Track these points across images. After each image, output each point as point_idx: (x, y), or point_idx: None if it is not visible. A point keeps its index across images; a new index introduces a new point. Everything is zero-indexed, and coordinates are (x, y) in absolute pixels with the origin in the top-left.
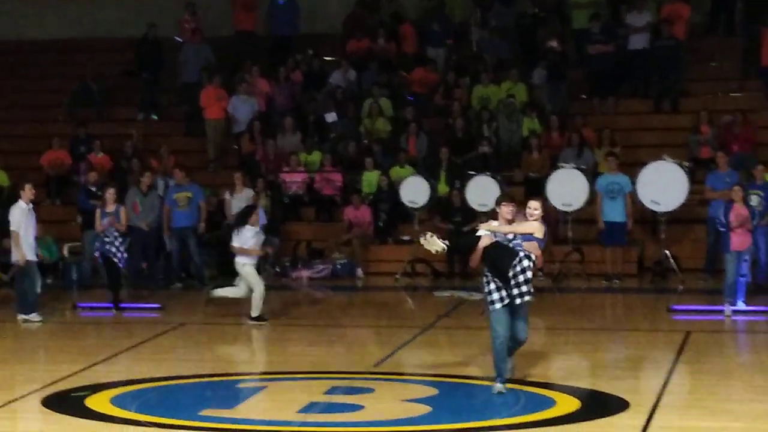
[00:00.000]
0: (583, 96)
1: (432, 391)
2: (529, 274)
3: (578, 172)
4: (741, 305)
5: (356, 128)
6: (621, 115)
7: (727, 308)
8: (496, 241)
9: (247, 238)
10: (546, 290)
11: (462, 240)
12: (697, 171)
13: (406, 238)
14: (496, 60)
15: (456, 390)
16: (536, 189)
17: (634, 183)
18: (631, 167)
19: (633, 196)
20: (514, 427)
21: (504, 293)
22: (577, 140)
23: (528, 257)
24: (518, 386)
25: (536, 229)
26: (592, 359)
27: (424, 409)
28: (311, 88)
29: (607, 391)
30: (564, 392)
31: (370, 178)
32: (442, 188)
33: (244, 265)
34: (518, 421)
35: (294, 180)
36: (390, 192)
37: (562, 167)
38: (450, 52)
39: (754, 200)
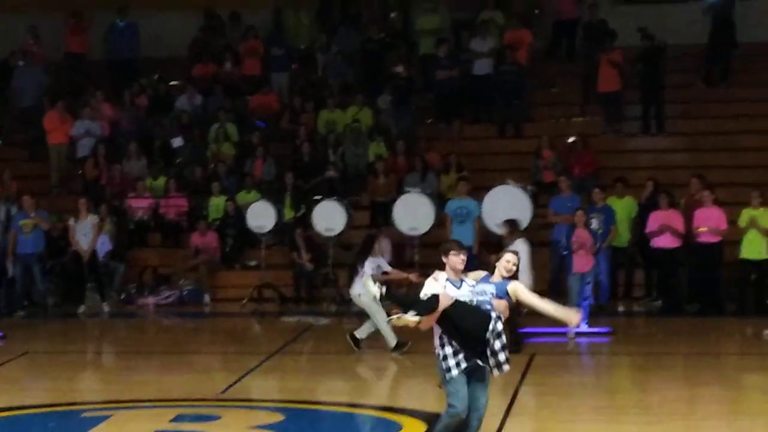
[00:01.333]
0: (429, 121)
1: (279, 417)
2: (504, 338)
3: (424, 197)
4: (583, 327)
5: (202, 153)
6: (466, 140)
7: (570, 330)
8: (457, 300)
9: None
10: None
11: (418, 305)
12: (540, 195)
13: (253, 263)
14: (342, 85)
15: (303, 416)
16: (383, 213)
17: (480, 207)
18: (476, 191)
19: (480, 220)
20: None
21: (462, 356)
22: (421, 165)
23: (499, 318)
24: (365, 410)
25: (521, 290)
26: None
27: None
28: (157, 113)
29: None
30: (411, 416)
31: (217, 203)
32: (288, 213)
33: (360, 296)
34: None
35: (140, 205)
36: (236, 217)
37: (408, 192)
38: (295, 77)
39: (595, 223)
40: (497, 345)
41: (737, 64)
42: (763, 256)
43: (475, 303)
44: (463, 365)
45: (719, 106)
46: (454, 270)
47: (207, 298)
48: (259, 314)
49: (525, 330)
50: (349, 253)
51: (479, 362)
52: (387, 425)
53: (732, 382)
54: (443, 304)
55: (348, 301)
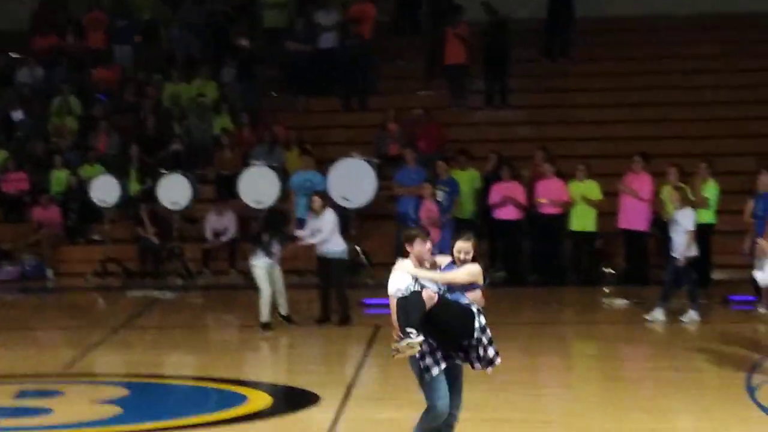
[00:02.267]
0: (275, 94)
1: (123, 392)
2: (489, 332)
3: (269, 170)
4: None
5: (44, 127)
6: (312, 113)
7: None
8: (444, 299)
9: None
10: (240, 287)
11: (411, 314)
12: (385, 168)
13: (97, 237)
14: (186, 57)
15: (148, 390)
16: (229, 186)
17: (325, 180)
18: (322, 164)
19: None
20: (206, 425)
21: (440, 355)
22: (268, 138)
23: (479, 311)
24: (211, 384)
25: (478, 273)
26: (286, 355)
27: (115, 410)
28: None
29: (299, 386)
30: (256, 389)
31: (59, 177)
32: (134, 187)
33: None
34: (210, 419)
35: None
36: (80, 191)
37: (254, 165)
38: (139, 49)
39: (440, 195)
40: (485, 340)
41: (576, 39)
42: (590, 228)
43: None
44: (443, 365)
45: (560, 79)
46: (419, 260)
47: (50, 273)
48: (104, 289)
49: (370, 300)
50: (194, 227)
51: (458, 361)
52: (232, 397)
53: (572, 351)
54: (429, 303)
55: (193, 275)
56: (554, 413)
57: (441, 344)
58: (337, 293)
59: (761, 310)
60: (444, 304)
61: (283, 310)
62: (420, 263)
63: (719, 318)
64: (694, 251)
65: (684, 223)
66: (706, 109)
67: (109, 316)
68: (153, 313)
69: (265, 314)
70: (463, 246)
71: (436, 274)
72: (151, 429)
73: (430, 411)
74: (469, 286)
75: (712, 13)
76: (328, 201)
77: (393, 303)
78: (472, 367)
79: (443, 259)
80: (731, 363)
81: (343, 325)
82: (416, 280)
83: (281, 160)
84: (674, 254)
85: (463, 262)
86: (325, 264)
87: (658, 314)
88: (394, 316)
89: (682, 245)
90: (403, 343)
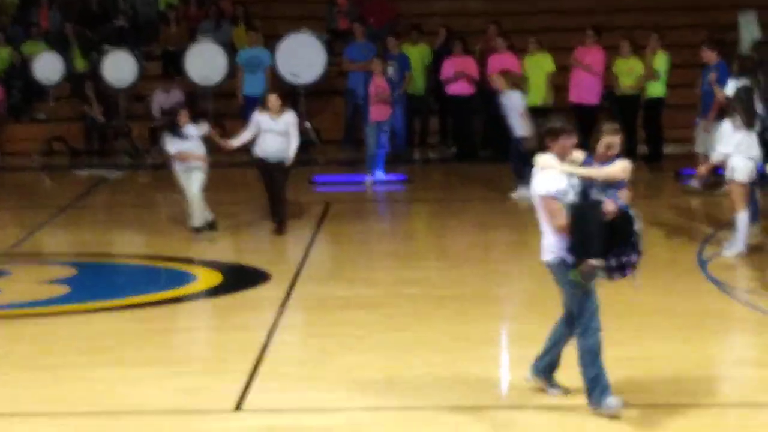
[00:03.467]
0: None
1: (71, 271)
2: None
3: (216, 46)
4: (380, 175)
5: None
6: None
7: (368, 178)
8: (620, 209)
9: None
10: None
11: (592, 237)
12: (335, 43)
13: (41, 116)
14: None
15: (96, 269)
16: (175, 63)
17: (273, 56)
18: (270, 40)
19: (273, 69)
20: (156, 304)
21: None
22: (215, 13)
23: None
24: (160, 263)
25: (630, 170)
26: (236, 234)
27: (63, 289)
28: None
29: (249, 265)
30: (206, 267)
31: (1, 55)
32: (78, 64)
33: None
34: (159, 297)
35: None
36: (22, 69)
37: (201, 40)
38: None
39: (390, 71)
40: (641, 245)
41: None
42: (541, 102)
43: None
44: (602, 275)
45: None
46: (563, 156)
47: None
48: (50, 168)
49: (320, 179)
50: (141, 105)
51: (615, 275)
52: (182, 276)
53: (523, 226)
54: (611, 212)
55: (140, 154)
56: (508, 288)
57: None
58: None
59: (693, 184)
60: (622, 215)
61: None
62: (562, 160)
63: (670, 192)
64: (523, 131)
65: (511, 104)
66: None
67: (55, 196)
68: (100, 193)
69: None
70: (613, 140)
71: (593, 170)
72: (100, 308)
73: (589, 330)
74: (619, 184)
75: None
76: (288, 102)
77: (545, 204)
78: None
79: (579, 155)
80: (683, 237)
81: (278, 233)
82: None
83: (228, 35)
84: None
85: (609, 158)
86: (272, 168)
87: (522, 192)
88: (548, 219)
89: (517, 127)
90: (587, 270)
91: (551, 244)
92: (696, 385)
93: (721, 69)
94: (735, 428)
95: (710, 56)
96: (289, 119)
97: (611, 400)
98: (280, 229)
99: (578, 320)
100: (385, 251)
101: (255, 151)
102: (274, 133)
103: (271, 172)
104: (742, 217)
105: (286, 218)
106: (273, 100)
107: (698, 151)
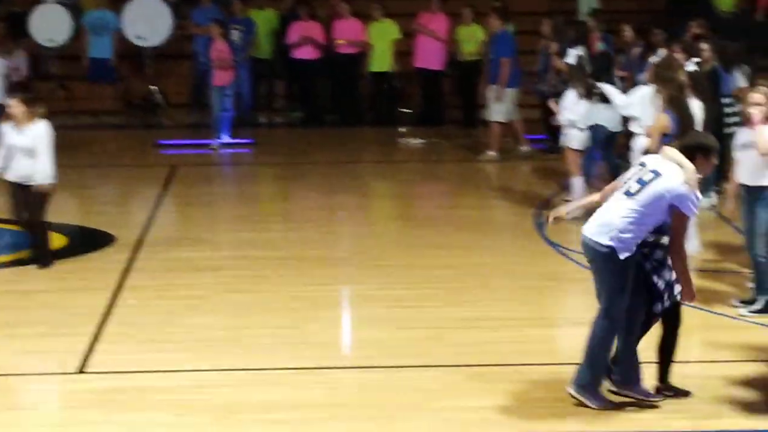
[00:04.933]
0: None
1: None
2: None
3: (61, 7)
4: (226, 138)
5: None
6: None
7: (214, 142)
8: None
9: None
10: None
11: None
12: (181, 6)
13: None
14: None
15: None
16: (19, 24)
17: (119, 19)
18: (116, 2)
19: (119, 32)
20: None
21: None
22: None
23: None
24: (2, 225)
25: None
26: (80, 196)
27: None
28: None
29: (94, 227)
30: (50, 229)
31: None
32: None
33: None
34: (3, 259)
35: None
36: None
37: (45, 2)
38: None
39: (236, 35)
40: None
41: None
42: (387, 68)
43: None
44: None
45: None
46: (702, 174)
47: None
48: None
49: (167, 142)
50: None
51: None
52: (22, 239)
53: (369, 190)
54: None
55: None
56: (350, 251)
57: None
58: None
59: (490, 153)
60: None
61: None
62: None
63: (511, 156)
64: None
65: None
66: None
67: None
68: None
69: None
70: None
71: None
72: None
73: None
74: None
75: None
76: (38, 109)
77: (681, 220)
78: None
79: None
80: (522, 200)
81: (43, 267)
82: None
83: None
84: None
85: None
86: (24, 192)
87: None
88: (676, 234)
89: None
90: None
91: (614, 230)
92: (534, 345)
93: (502, 37)
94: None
95: (495, 24)
96: (38, 131)
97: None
98: (43, 263)
99: (614, 305)
100: (230, 214)
101: (3, 171)
102: (20, 149)
103: (24, 198)
104: (577, 182)
105: (48, 251)
106: (15, 106)
107: (492, 119)
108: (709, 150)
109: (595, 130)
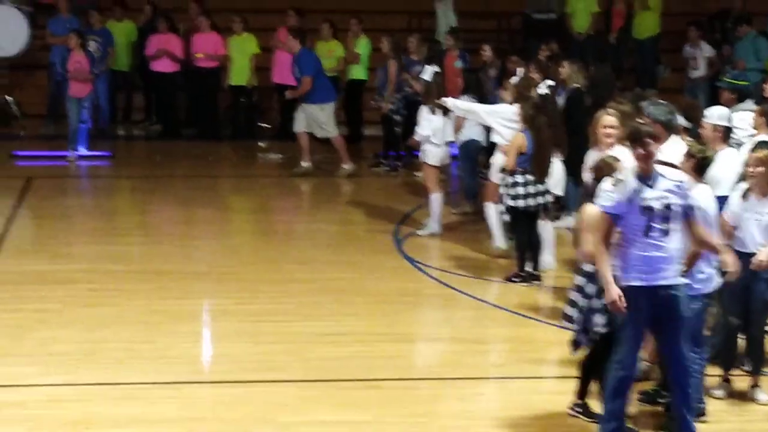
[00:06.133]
0: None
1: None
2: None
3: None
4: (83, 151)
5: None
6: None
7: (71, 154)
8: None
9: None
10: None
11: None
12: (38, 16)
13: None
14: None
15: None
16: None
17: None
18: None
19: None
20: None
21: None
22: None
23: None
24: None
25: None
26: None
27: None
28: None
29: None
30: None
31: None
32: None
33: None
34: None
35: None
36: None
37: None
38: None
39: (93, 46)
40: None
41: None
42: (246, 82)
43: None
44: None
45: None
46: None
47: None
48: None
49: (21, 153)
50: None
51: None
52: None
53: (225, 203)
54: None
55: None
56: (208, 265)
57: None
58: None
59: (345, 167)
60: None
61: None
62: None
63: (370, 174)
64: None
65: None
66: None
67: None
68: None
69: None
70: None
71: None
72: None
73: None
74: None
75: None
76: None
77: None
78: None
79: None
80: (382, 216)
81: None
82: None
83: None
84: None
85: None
86: None
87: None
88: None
89: None
90: None
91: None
92: (388, 360)
93: (303, 56)
94: (425, 399)
95: (293, 45)
96: None
97: None
98: None
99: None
100: (87, 227)
101: None
102: None
103: None
104: (435, 198)
105: None
106: None
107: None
108: (636, 136)
109: (467, 145)
